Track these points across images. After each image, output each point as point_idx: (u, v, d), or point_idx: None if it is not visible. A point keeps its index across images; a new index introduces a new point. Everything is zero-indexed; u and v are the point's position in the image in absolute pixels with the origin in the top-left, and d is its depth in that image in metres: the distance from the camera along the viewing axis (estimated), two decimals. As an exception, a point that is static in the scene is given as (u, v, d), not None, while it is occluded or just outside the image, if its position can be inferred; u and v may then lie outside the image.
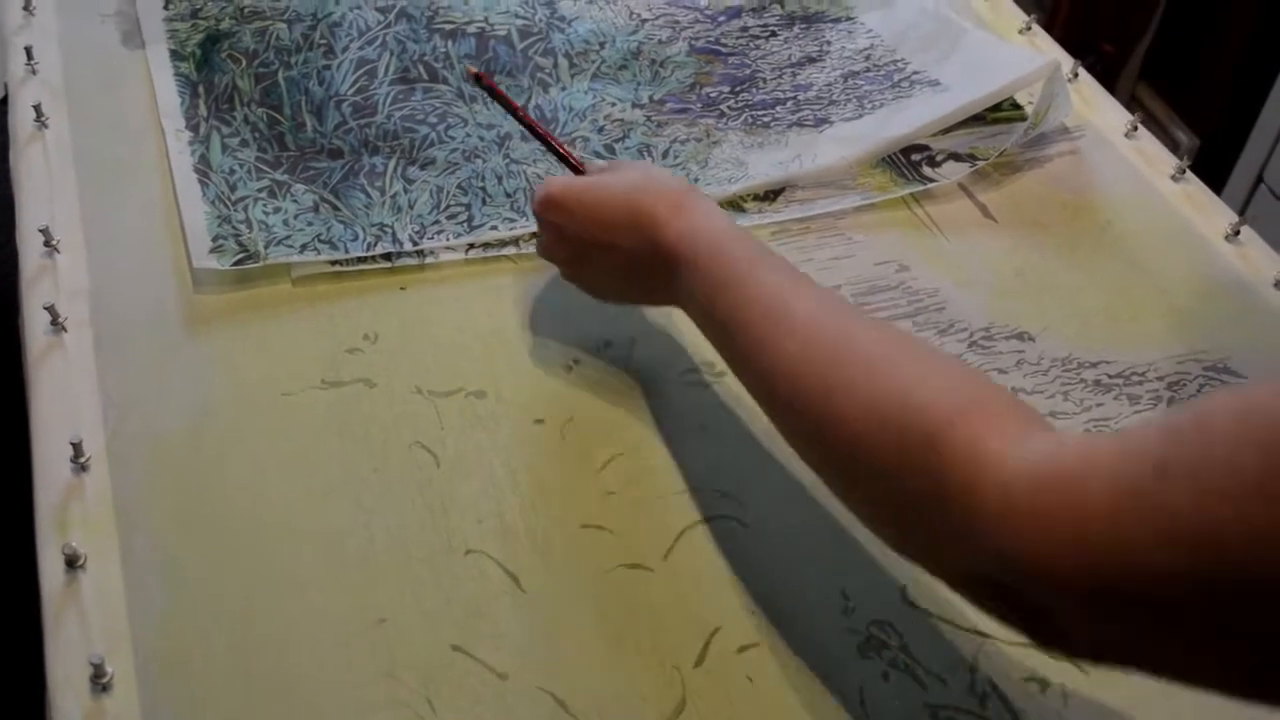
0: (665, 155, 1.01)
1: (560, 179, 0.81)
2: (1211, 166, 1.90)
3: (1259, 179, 1.87)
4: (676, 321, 0.87)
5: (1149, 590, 0.46)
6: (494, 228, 0.93)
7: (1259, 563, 0.42)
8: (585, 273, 0.82)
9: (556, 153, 0.89)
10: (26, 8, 1.10)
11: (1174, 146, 2.01)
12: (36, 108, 0.98)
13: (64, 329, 0.83)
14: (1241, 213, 1.85)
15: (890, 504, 0.60)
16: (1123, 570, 0.47)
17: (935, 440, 0.55)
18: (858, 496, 0.63)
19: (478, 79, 0.97)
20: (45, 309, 0.83)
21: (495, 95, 0.95)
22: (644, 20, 1.15)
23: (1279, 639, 0.44)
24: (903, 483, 0.57)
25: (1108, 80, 2.06)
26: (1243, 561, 0.43)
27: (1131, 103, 2.14)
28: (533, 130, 0.91)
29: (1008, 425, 0.55)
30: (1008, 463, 0.52)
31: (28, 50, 1.04)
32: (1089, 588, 0.48)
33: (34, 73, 1.03)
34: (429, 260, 0.91)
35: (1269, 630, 0.44)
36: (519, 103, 1.03)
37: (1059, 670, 0.70)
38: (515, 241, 0.93)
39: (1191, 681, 0.48)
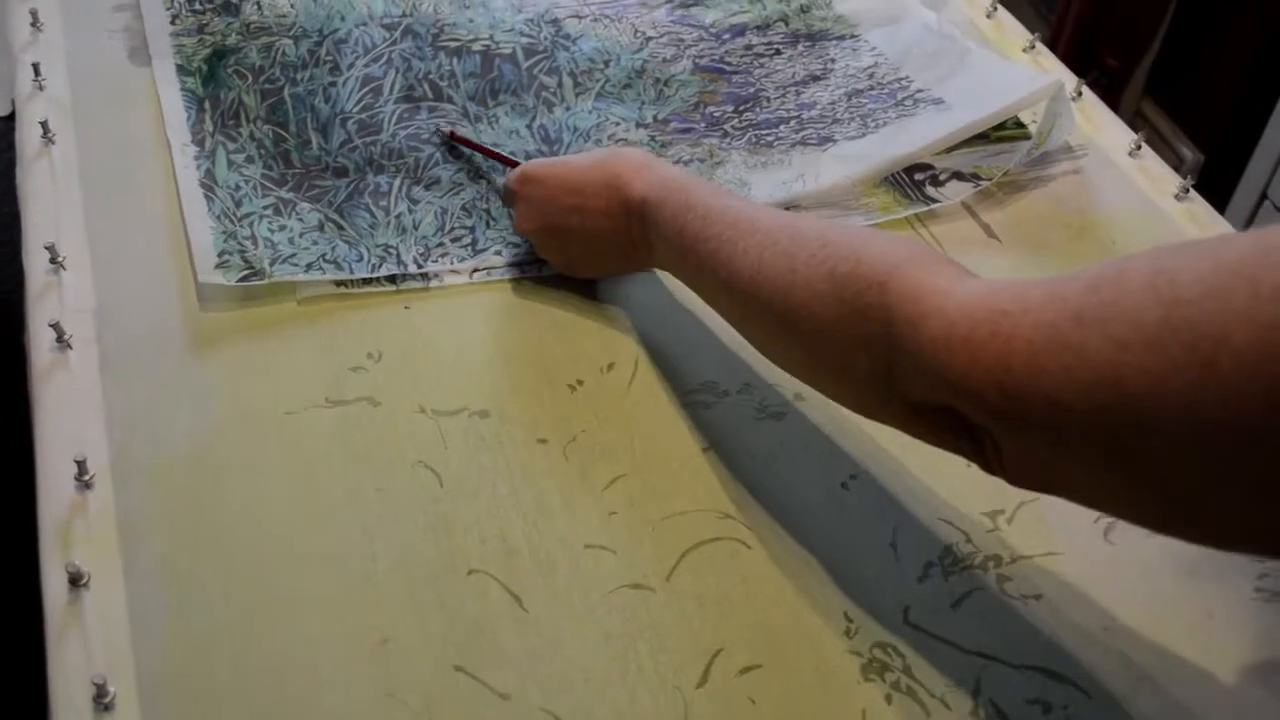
0: (669, 173, 1.01)
1: (534, 160, 0.90)
2: (1216, 182, 1.90)
3: (1263, 195, 1.87)
4: (680, 343, 0.87)
5: (1057, 418, 0.53)
6: (498, 252, 0.94)
7: (1150, 403, 0.49)
8: (560, 242, 0.89)
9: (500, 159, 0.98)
10: (34, 24, 1.10)
11: (1178, 162, 2.02)
12: (43, 124, 0.98)
13: (69, 346, 0.83)
14: (1246, 228, 1.86)
15: (850, 356, 0.65)
16: (1039, 400, 0.54)
17: (885, 283, 0.62)
18: (818, 356, 0.69)
19: (450, 138, 1.02)
20: (50, 326, 0.83)
21: (459, 143, 1.02)
22: (648, 39, 1.15)
23: (1172, 474, 0.51)
24: (859, 326, 0.64)
25: (1112, 96, 2.07)
26: (1136, 401, 0.50)
27: (1136, 118, 2.14)
28: (483, 150, 0.99)
29: (949, 270, 0.62)
30: (951, 297, 0.59)
31: (35, 66, 1.04)
32: (1012, 414, 0.56)
33: (41, 89, 1.03)
34: (433, 281, 0.91)
35: (1162, 464, 0.50)
36: (525, 120, 1.04)
37: (1063, 694, 0.70)
38: (519, 265, 0.93)
39: (1106, 509, 0.58)
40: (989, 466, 0.61)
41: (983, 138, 1.05)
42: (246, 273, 0.89)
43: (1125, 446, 0.51)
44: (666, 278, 0.92)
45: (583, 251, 0.88)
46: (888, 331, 0.62)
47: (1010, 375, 0.55)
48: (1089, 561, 0.76)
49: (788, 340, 0.71)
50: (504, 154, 0.98)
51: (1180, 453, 0.49)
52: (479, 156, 1.01)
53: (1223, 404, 0.47)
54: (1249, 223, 1.88)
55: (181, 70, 1.07)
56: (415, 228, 0.95)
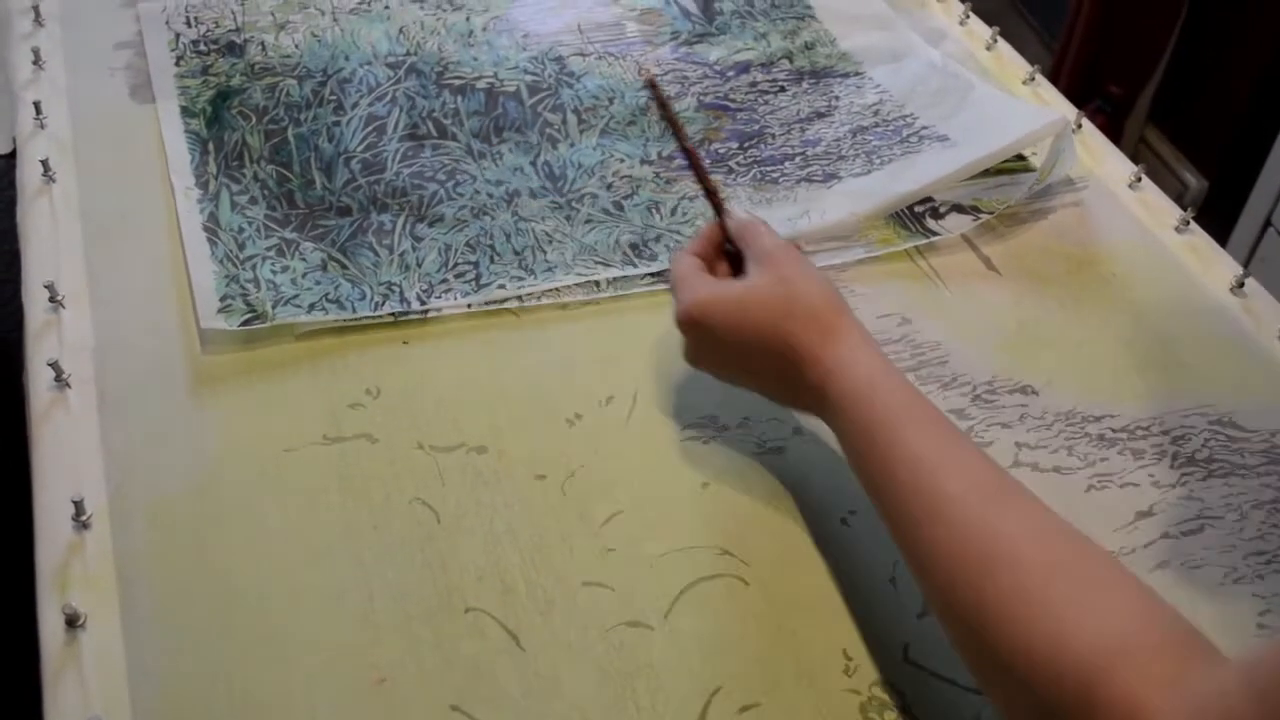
0: (674, 212, 1.01)
1: (699, 291, 0.78)
2: (1220, 209, 1.90)
3: (1267, 221, 1.87)
4: (679, 378, 0.87)
5: None
6: (502, 286, 0.94)
7: None
8: (736, 379, 0.81)
9: (705, 189, 0.86)
10: (36, 62, 1.11)
11: (1182, 189, 2.02)
12: (44, 162, 0.99)
13: (68, 385, 0.83)
14: (1250, 255, 1.86)
15: None
16: None
17: (1088, 693, 0.55)
18: (1011, 712, 0.61)
19: (651, 85, 0.89)
20: (49, 365, 0.83)
21: (665, 113, 0.89)
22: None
23: None
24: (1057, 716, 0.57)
25: (1116, 123, 2.07)
26: None
27: (1140, 146, 2.14)
28: (691, 161, 0.87)
29: (1167, 669, 0.55)
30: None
31: (36, 105, 1.05)
32: None
33: (42, 127, 1.04)
34: (432, 314, 0.91)
35: None
36: (530, 157, 1.04)
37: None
38: (519, 296, 0.93)
39: None
40: None
41: (982, 170, 1.05)
42: (249, 316, 0.89)
43: None
44: (664, 314, 0.92)
45: (761, 392, 0.80)
46: None
47: None
48: (1090, 597, 0.76)
49: (974, 661, 0.64)
50: (717, 193, 0.86)
51: None
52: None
53: None
54: (1253, 249, 1.88)
55: (186, 112, 1.07)
56: (419, 265, 0.95)
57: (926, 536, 0.64)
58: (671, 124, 0.88)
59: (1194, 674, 0.54)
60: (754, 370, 0.78)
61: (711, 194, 0.85)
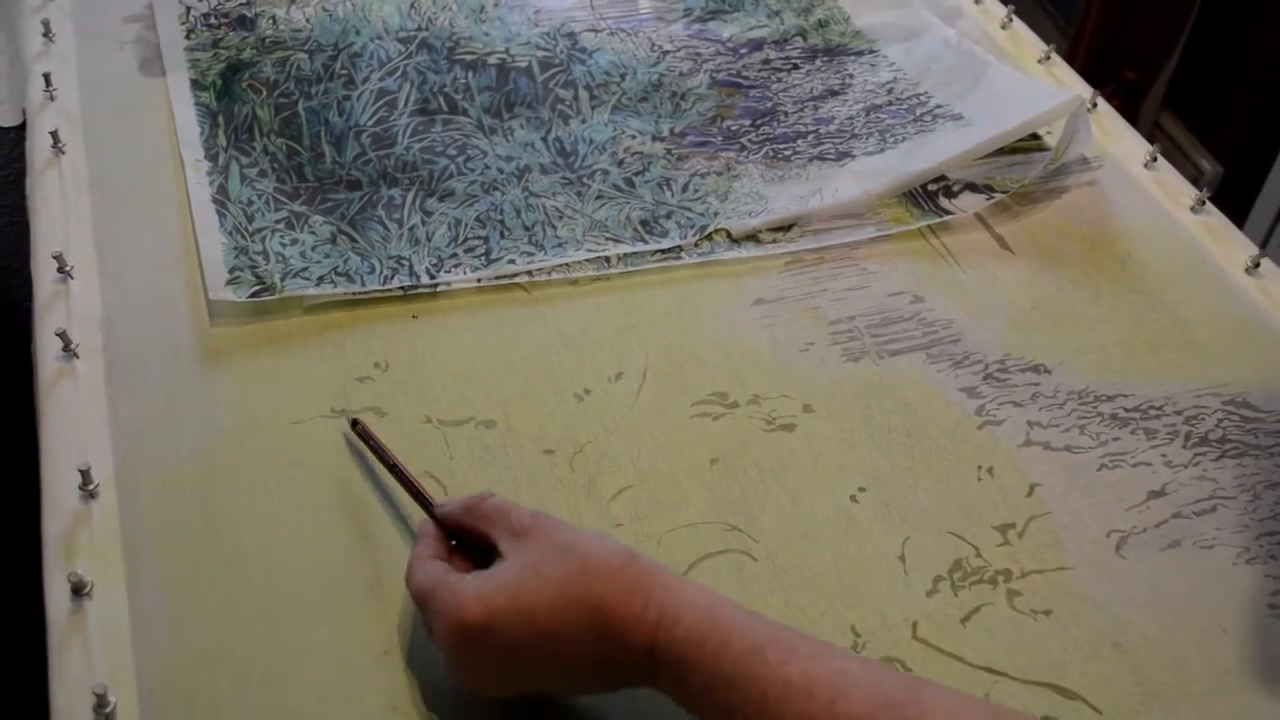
0: (685, 189, 1.01)
1: (461, 588, 0.63)
2: (1235, 194, 1.89)
3: (1284, 207, 1.86)
4: (688, 353, 0.87)
5: None
6: (511, 261, 0.93)
7: None
8: (523, 686, 0.65)
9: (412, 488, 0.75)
10: (46, 34, 1.11)
11: (1197, 175, 2.01)
12: (54, 134, 0.99)
13: (76, 355, 0.83)
14: (1265, 239, 1.85)
15: None
16: None
17: None
18: None
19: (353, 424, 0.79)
20: (57, 335, 0.83)
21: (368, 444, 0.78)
22: (665, 52, 1.15)
23: None
24: None
25: (1131, 108, 2.06)
26: None
27: (1155, 130, 2.13)
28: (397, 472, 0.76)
29: None
30: None
31: (46, 77, 1.05)
32: None
33: (52, 99, 1.04)
34: (441, 288, 0.91)
35: None
36: (541, 133, 1.04)
37: (1073, 710, 0.69)
38: (529, 271, 0.93)
39: None
40: None
41: (996, 149, 1.04)
42: (258, 288, 0.88)
43: None
44: (674, 291, 0.92)
45: (560, 688, 0.67)
46: None
47: None
48: (1100, 576, 0.75)
49: None
50: (421, 494, 0.74)
51: None
52: (493, 170, 1.00)
53: None
54: (1268, 235, 1.87)
55: (196, 85, 1.07)
56: (428, 239, 0.94)
57: None
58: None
59: None
60: (561, 659, 0.62)
61: (417, 494, 0.74)
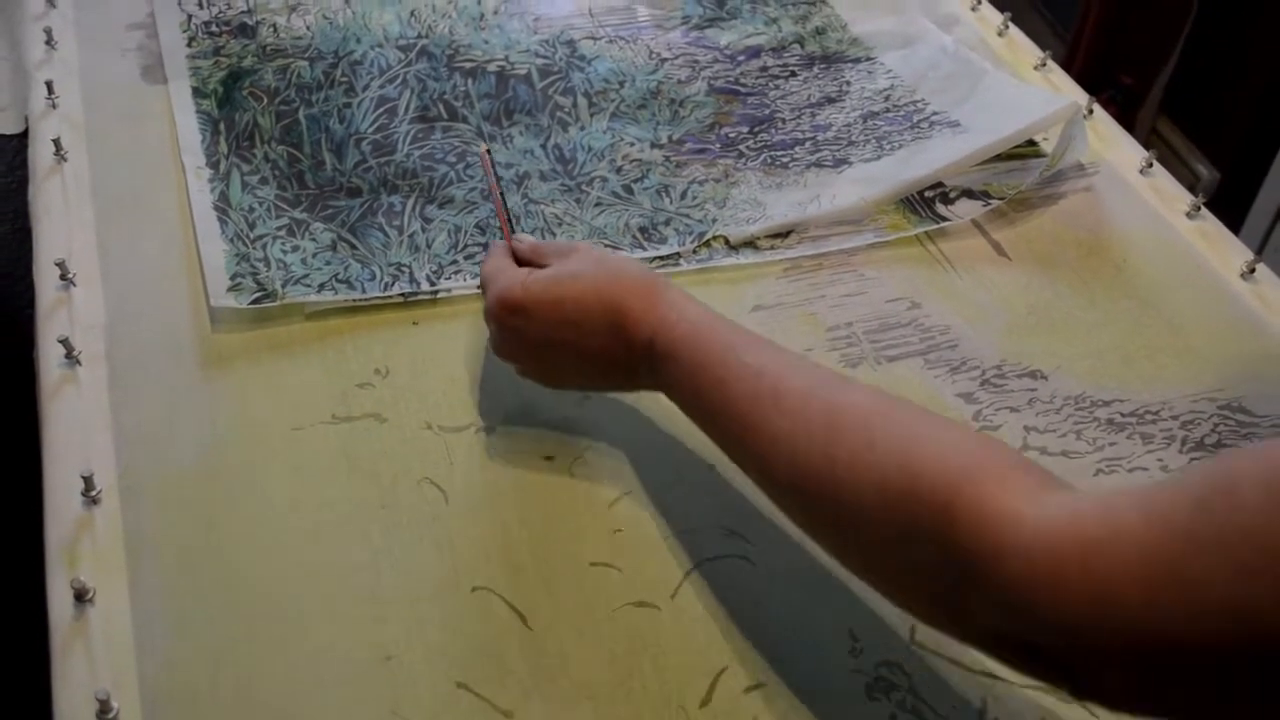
0: (683, 196, 1.01)
1: (513, 275, 0.77)
2: (1232, 200, 1.89)
3: (1279, 212, 1.86)
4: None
5: (1186, 658, 0.47)
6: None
7: None
8: (550, 369, 0.79)
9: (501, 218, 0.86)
10: (48, 42, 1.11)
11: (1194, 180, 2.02)
12: (56, 141, 0.99)
13: (78, 362, 0.83)
14: (1261, 245, 1.86)
15: (906, 574, 0.59)
16: (1159, 639, 0.47)
17: (948, 509, 0.55)
18: (872, 569, 0.62)
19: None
20: (60, 342, 0.83)
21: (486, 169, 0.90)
22: (663, 60, 1.16)
23: None
24: (918, 552, 0.57)
25: (1128, 113, 2.07)
26: (1275, 633, 0.44)
27: (1152, 136, 2.13)
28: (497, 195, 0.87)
29: (1018, 485, 0.54)
30: (1025, 526, 0.52)
31: (48, 84, 1.05)
32: (1123, 653, 0.49)
33: (54, 106, 1.04)
34: (441, 295, 0.91)
35: None
36: (540, 140, 1.04)
37: (1071, 713, 0.69)
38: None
39: None
40: (1081, 695, 0.54)
41: (993, 156, 1.05)
42: (259, 295, 0.89)
43: (1263, 681, 0.46)
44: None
45: (576, 379, 0.80)
46: (955, 564, 0.54)
47: (1115, 615, 0.48)
48: (1097, 580, 0.76)
49: (840, 546, 0.64)
50: (507, 219, 0.86)
51: None
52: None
53: None
54: (1265, 239, 1.87)
55: (197, 92, 1.07)
56: (428, 246, 0.95)
57: (769, 434, 0.64)
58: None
59: (1050, 492, 0.54)
60: (579, 347, 0.75)
61: (505, 220, 0.86)
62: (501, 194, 0.87)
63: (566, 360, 0.77)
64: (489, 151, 0.90)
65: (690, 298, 0.73)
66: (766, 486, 0.67)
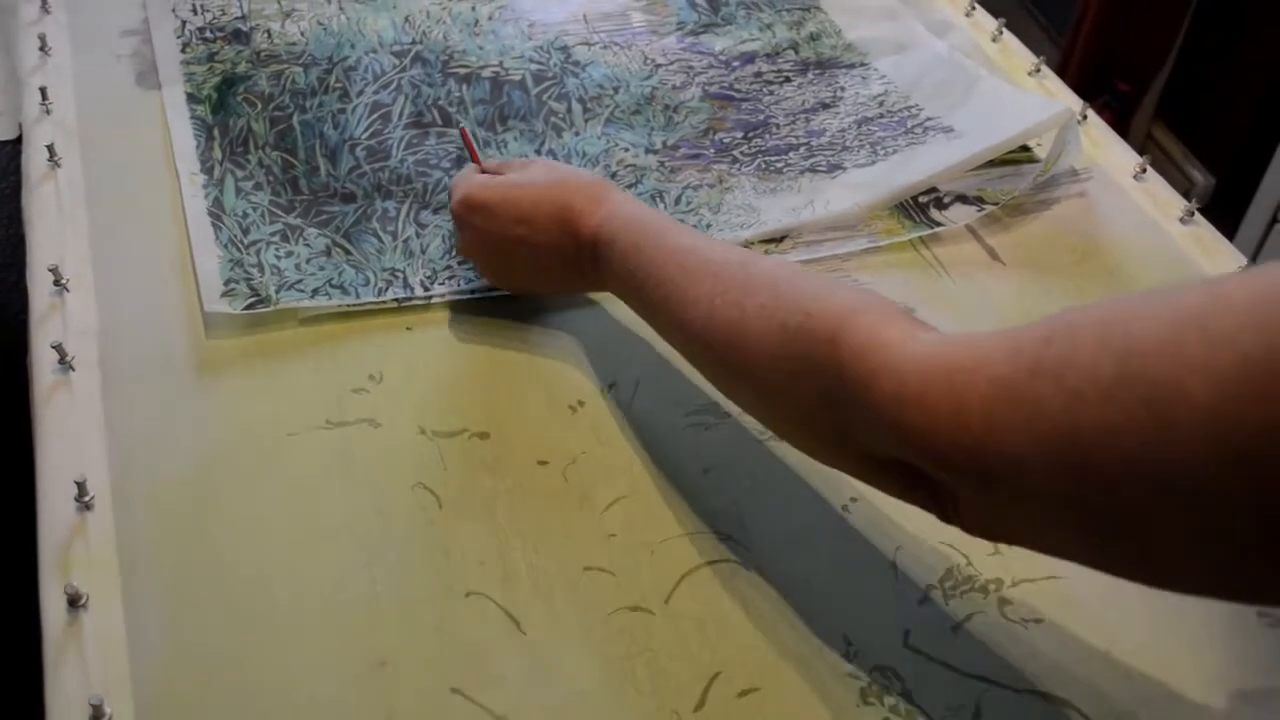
0: (678, 201, 1.01)
1: (477, 179, 0.87)
2: (1227, 205, 1.90)
3: (1274, 217, 1.87)
4: (682, 363, 0.87)
5: (1019, 473, 0.53)
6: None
7: (1109, 452, 0.48)
8: (505, 267, 0.88)
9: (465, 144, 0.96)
10: (42, 48, 1.11)
11: (1189, 186, 2.02)
12: (49, 147, 0.99)
13: (72, 368, 0.83)
14: (1256, 251, 1.86)
15: (800, 406, 0.66)
16: (997, 455, 0.53)
17: (835, 338, 0.61)
18: (772, 407, 0.69)
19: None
20: (53, 348, 0.83)
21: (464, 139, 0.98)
22: (658, 65, 1.16)
23: (1137, 527, 0.50)
24: (807, 384, 0.64)
25: (1123, 119, 2.07)
26: (1095, 454, 0.49)
27: (1147, 142, 2.14)
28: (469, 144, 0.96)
29: (899, 322, 0.61)
30: (903, 352, 0.59)
31: (42, 90, 1.05)
32: (971, 469, 0.55)
33: (48, 112, 1.04)
34: (435, 300, 0.91)
35: (1127, 518, 0.50)
36: (534, 146, 1.04)
37: (1064, 718, 0.69)
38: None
39: (1077, 560, 0.56)
40: (947, 518, 0.61)
41: (987, 161, 1.05)
42: (252, 300, 0.89)
43: (1088, 500, 0.50)
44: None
45: (529, 277, 0.88)
46: (840, 387, 0.61)
47: (967, 431, 0.54)
48: (1091, 585, 0.75)
49: (743, 390, 0.72)
50: (474, 147, 0.95)
51: (1144, 506, 0.48)
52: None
53: (1182, 459, 0.46)
54: (1260, 245, 1.88)
55: (191, 98, 1.07)
56: (422, 251, 0.95)
57: (691, 296, 0.71)
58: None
59: (926, 331, 0.61)
60: (531, 243, 0.83)
61: (473, 148, 0.95)
62: (472, 132, 0.99)
63: (520, 257, 0.85)
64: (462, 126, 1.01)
65: (633, 199, 0.82)
66: (685, 344, 0.75)
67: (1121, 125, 2.05)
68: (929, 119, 1.11)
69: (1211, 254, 0.99)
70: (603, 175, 1.03)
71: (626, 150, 1.06)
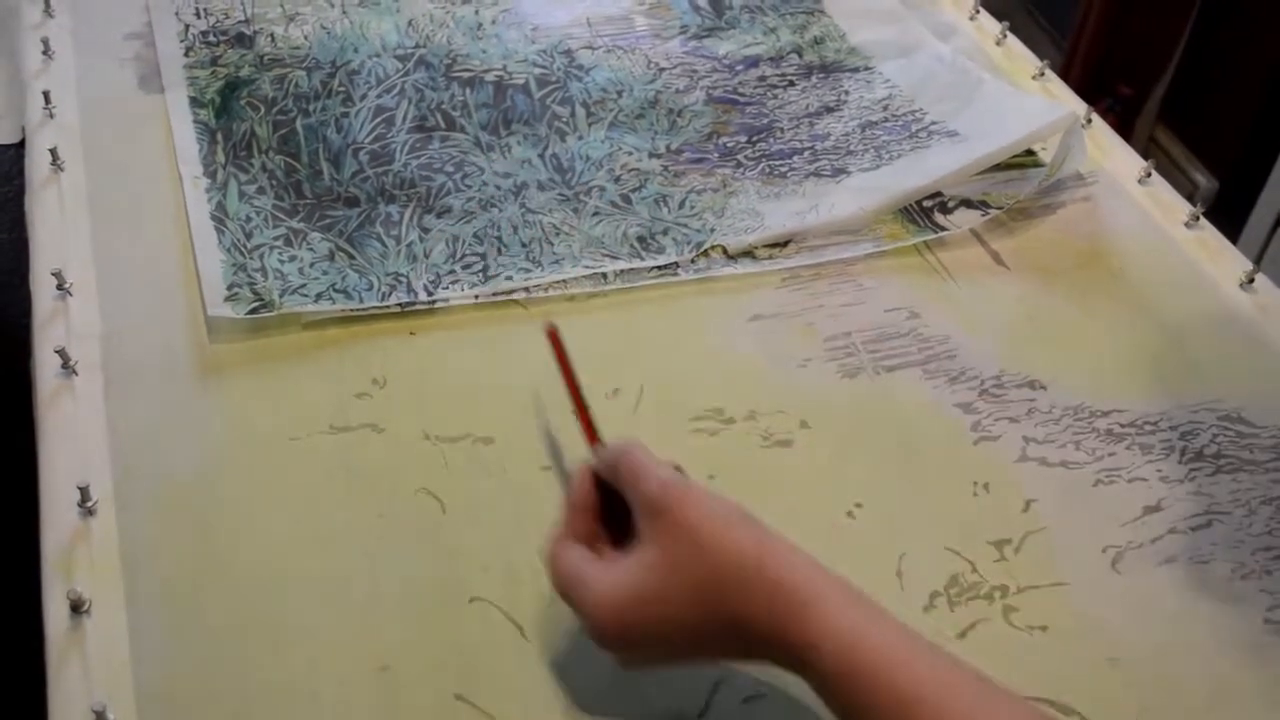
0: (681, 205, 1.01)
1: (600, 587, 0.63)
2: (1231, 209, 1.89)
3: (1277, 221, 1.87)
4: (686, 369, 0.87)
5: None
6: (509, 278, 0.93)
7: None
8: (676, 665, 0.67)
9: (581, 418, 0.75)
10: (45, 52, 1.11)
11: (1193, 189, 2.02)
12: (53, 151, 0.99)
13: (75, 372, 0.83)
14: (1260, 254, 1.86)
15: None
16: None
17: None
18: None
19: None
20: (56, 352, 0.83)
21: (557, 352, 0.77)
22: (661, 69, 1.16)
23: None
24: None
25: (1126, 122, 2.07)
26: None
27: (1150, 145, 2.14)
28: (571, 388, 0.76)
29: None
30: None
31: (45, 94, 1.05)
32: None
33: (51, 116, 1.04)
34: (439, 305, 0.91)
35: None
36: (538, 150, 1.04)
37: (1068, 723, 0.69)
38: (526, 287, 0.93)
39: None
40: None
41: (992, 165, 1.05)
42: (256, 305, 0.89)
43: None
44: (670, 307, 0.92)
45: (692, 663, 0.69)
46: None
47: None
48: (1096, 592, 0.76)
49: None
50: (591, 426, 0.75)
51: None
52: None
53: None
54: (1263, 248, 1.87)
55: (194, 102, 1.07)
56: (426, 256, 0.95)
57: None
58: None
59: None
60: (703, 652, 0.64)
61: (586, 426, 0.74)
62: (576, 382, 0.76)
63: (692, 659, 0.66)
64: (556, 331, 0.77)
65: (819, 593, 0.61)
66: None
67: (1124, 128, 2.05)
68: (933, 123, 1.11)
69: (1216, 258, 0.99)
70: (607, 180, 1.03)
71: (630, 154, 1.06)
